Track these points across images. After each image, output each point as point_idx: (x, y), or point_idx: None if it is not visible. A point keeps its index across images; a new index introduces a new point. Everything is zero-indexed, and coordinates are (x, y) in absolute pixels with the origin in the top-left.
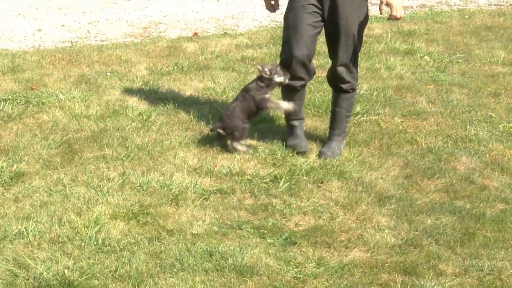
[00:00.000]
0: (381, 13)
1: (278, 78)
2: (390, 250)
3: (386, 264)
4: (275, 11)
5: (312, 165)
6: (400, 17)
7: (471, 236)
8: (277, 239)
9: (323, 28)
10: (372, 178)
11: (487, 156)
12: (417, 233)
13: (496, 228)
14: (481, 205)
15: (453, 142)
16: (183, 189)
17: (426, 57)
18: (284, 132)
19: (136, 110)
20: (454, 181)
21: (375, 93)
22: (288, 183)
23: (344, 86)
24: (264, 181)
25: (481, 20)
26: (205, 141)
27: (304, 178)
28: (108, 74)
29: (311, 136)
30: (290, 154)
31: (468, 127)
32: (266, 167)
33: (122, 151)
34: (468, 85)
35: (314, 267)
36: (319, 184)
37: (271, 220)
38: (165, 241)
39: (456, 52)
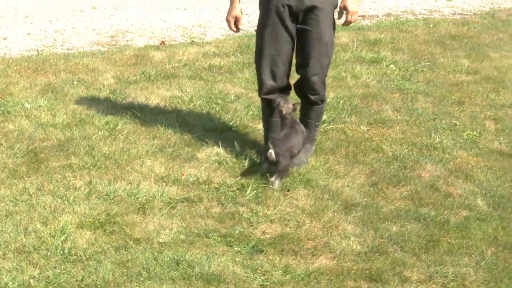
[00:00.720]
0: (338, 18)
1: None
2: (356, 257)
3: (352, 271)
4: (238, 31)
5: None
6: (354, 21)
7: (436, 243)
8: (244, 247)
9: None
10: (338, 186)
11: (452, 163)
12: (382, 240)
13: (460, 235)
14: (446, 212)
15: (418, 150)
16: (150, 198)
17: (391, 65)
18: (251, 140)
19: (103, 119)
20: (419, 188)
21: (341, 102)
22: (255, 191)
23: (315, 98)
24: (231, 189)
25: (446, 29)
26: (172, 150)
27: (271, 186)
28: (75, 82)
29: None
30: (258, 163)
31: (433, 135)
32: (233, 176)
33: (89, 160)
34: (433, 93)
35: (281, 274)
36: (286, 192)
37: (238, 228)
38: (132, 250)
39: (421, 61)
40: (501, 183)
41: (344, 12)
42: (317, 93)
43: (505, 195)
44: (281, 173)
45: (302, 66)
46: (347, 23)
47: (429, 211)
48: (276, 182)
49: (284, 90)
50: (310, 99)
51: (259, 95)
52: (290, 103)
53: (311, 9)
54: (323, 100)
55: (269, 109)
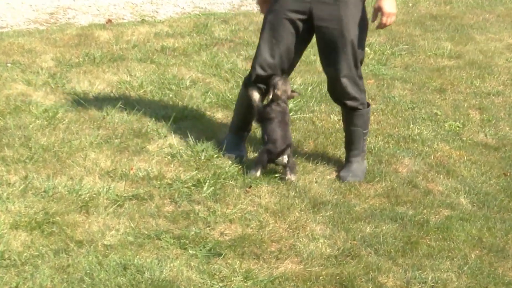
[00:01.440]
0: (373, 20)
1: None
2: (325, 261)
3: (321, 277)
4: None
5: (239, 168)
6: (390, 23)
7: (414, 245)
8: (200, 250)
9: (314, 39)
10: (306, 182)
11: (432, 157)
12: (355, 242)
13: (441, 237)
14: (425, 211)
15: (395, 142)
16: (94, 195)
17: (366, 48)
18: (209, 130)
19: (41, 106)
20: (396, 185)
21: (309, 88)
22: (213, 187)
23: (351, 103)
24: (185, 185)
25: (426, 9)
26: (119, 141)
27: (231, 182)
28: (9, 65)
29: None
30: (215, 156)
31: (411, 125)
32: (188, 170)
33: (25, 152)
34: (412, 79)
35: (241, 280)
36: (247, 189)
37: (194, 229)
38: (73, 253)
39: (398, 44)
40: (486, 179)
41: (379, 13)
42: (351, 98)
43: (491, 192)
44: (293, 170)
45: (327, 68)
46: (381, 26)
47: (407, 210)
48: (293, 177)
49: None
50: (347, 105)
51: (249, 77)
52: (289, 87)
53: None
54: (363, 104)
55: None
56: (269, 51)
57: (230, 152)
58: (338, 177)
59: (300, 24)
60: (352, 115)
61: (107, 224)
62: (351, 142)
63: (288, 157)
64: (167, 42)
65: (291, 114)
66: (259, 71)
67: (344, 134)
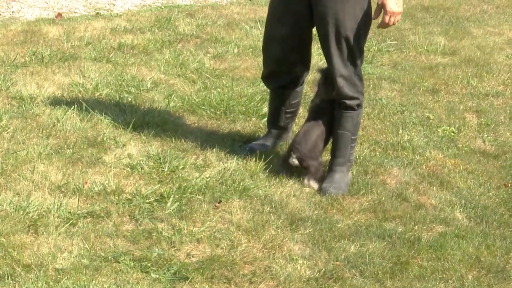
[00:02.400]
0: (374, 17)
1: None
2: (304, 284)
3: None
4: None
5: (208, 180)
6: (394, 23)
7: (404, 266)
8: (164, 273)
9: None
10: (282, 196)
11: (424, 167)
12: (337, 263)
13: (434, 256)
14: (416, 227)
15: (382, 150)
16: (43, 213)
17: None
18: (173, 139)
19: None
20: (383, 198)
21: None
22: (178, 203)
23: (350, 102)
24: (147, 201)
25: None
26: (72, 151)
27: (198, 197)
28: None
29: (208, 142)
30: (181, 167)
31: (401, 131)
32: (150, 184)
33: None
34: (401, 79)
35: None
36: (217, 204)
37: (157, 250)
38: (20, 279)
39: (386, 39)
40: (484, 191)
41: (382, 10)
42: (347, 97)
43: (490, 206)
44: (313, 175)
45: (327, 62)
46: (383, 26)
47: (396, 227)
48: (312, 183)
49: (292, 81)
50: (341, 103)
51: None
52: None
53: None
54: (359, 105)
55: (275, 95)
56: (269, 57)
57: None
58: (319, 190)
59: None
60: (341, 115)
61: (58, 246)
62: (337, 148)
63: (301, 160)
64: (125, 38)
65: (264, 120)
66: (265, 82)
67: (332, 140)
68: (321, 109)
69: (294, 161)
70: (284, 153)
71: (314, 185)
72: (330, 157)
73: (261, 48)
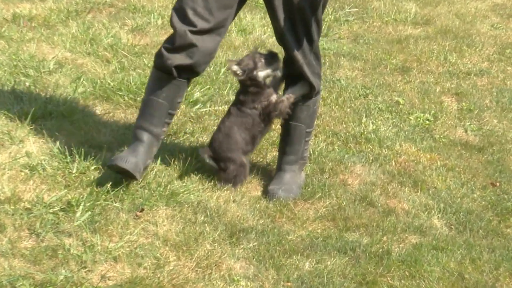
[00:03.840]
0: None
1: (262, 72)
2: None
3: None
4: None
5: (127, 184)
6: None
7: (371, 286)
8: None
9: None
10: (219, 202)
11: (393, 163)
12: (289, 284)
13: (407, 273)
14: (385, 238)
15: (342, 143)
16: None
17: None
18: (83, 132)
19: None
20: (344, 203)
21: (222, 70)
22: (90, 212)
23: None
24: (51, 210)
25: None
26: None
27: (115, 204)
28: None
29: (127, 136)
30: (93, 168)
31: (364, 119)
32: (54, 189)
33: None
34: (363, 55)
35: None
36: (138, 213)
37: (63, 271)
38: None
39: (344, 6)
40: (467, 192)
41: None
42: (304, 78)
43: (474, 210)
44: (229, 182)
45: (281, 40)
46: None
47: (360, 238)
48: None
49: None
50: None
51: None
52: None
53: None
54: (317, 92)
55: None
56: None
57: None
58: (265, 193)
59: None
60: (296, 106)
61: None
62: (288, 143)
63: (214, 159)
64: (20, 8)
65: (196, 107)
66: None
67: (280, 131)
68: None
69: (206, 158)
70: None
71: (221, 185)
72: (278, 154)
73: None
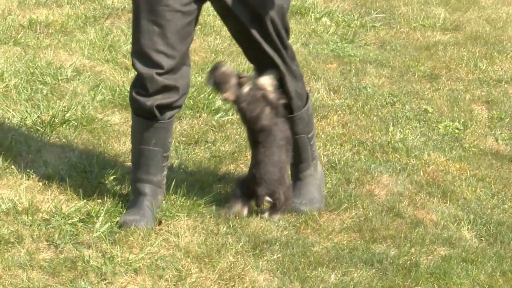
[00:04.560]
0: None
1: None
2: None
3: None
4: None
5: None
6: None
7: None
8: None
9: (218, 13)
10: (243, 213)
11: (421, 173)
12: None
13: (436, 286)
14: (413, 250)
15: (368, 152)
16: None
17: (324, 19)
18: (101, 140)
19: None
20: (371, 213)
21: None
22: (109, 223)
23: (295, 101)
24: (70, 221)
25: None
26: None
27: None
28: None
29: None
30: (112, 178)
31: (391, 128)
32: (72, 199)
33: None
34: (391, 62)
35: None
36: (157, 227)
37: (83, 284)
38: None
39: (371, 11)
40: (498, 203)
41: None
42: (288, 94)
43: (505, 222)
44: (285, 210)
45: (249, 57)
46: None
47: (387, 250)
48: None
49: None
50: (288, 105)
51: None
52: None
53: None
54: (303, 103)
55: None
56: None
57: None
58: (294, 209)
59: None
60: (291, 121)
61: None
62: (295, 155)
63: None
64: (37, 14)
65: (218, 116)
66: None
67: None
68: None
69: (266, 198)
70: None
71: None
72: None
73: (211, 24)
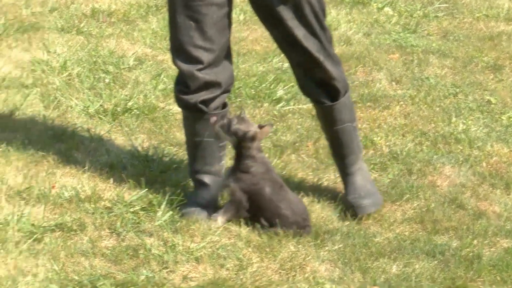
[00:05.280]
0: None
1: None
2: None
3: None
4: None
5: None
6: None
7: None
8: None
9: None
10: (304, 202)
11: (484, 164)
12: (375, 287)
13: (498, 278)
14: (475, 242)
15: (431, 143)
16: (0, 226)
17: (386, 8)
18: (163, 130)
19: None
20: (433, 205)
21: None
22: (171, 212)
23: (336, 84)
24: (132, 209)
25: None
26: (35, 147)
27: None
28: None
29: None
30: (174, 166)
31: (454, 119)
32: (135, 188)
33: None
34: (453, 53)
35: None
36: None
37: (144, 272)
38: None
39: (433, 1)
40: None
41: None
42: (332, 77)
43: None
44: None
45: (291, 45)
46: None
47: (449, 241)
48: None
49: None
50: (330, 91)
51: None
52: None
53: None
54: (345, 88)
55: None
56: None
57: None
58: (346, 205)
59: None
60: (332, 109)
61: (19, 267)
62: (341, 147)
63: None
64: (99, 3)
65: (279, 105)
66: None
67: (327, 141)
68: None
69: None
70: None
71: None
72: (335, 161)
73: None
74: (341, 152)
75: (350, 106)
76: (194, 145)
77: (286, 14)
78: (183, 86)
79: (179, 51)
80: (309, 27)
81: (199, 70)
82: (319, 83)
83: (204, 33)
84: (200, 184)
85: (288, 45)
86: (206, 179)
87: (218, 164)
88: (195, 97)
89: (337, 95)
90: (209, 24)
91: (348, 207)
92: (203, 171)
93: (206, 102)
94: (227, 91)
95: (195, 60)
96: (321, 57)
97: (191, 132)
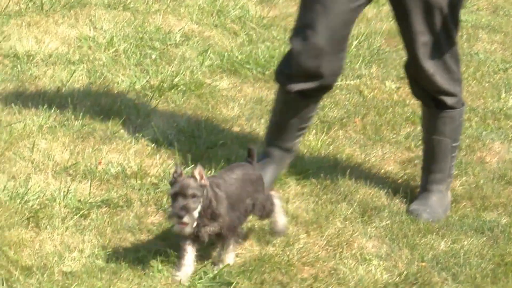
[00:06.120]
0: None
1: None
2: None
3: None
4: None
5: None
6: None
7: (509, 268)
8: (200, 278)
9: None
10: (351, 180)
11: None
12: (423, 264)
13: None
14: None
15: (480, 119)
16: (46, 201)
17: None
18: (210, 106)
19: None
20: (482, 181)
21: (354, 43)
22: None
23: (445, 98)
24: None
25: None
26: (81, 124)
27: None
28: None
29: (255, 110)
30: (220, 143)
31: (504, 95)
32: (181, 164)
33: None
34: (503, 28)
35: None
36: None
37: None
38: (18, 284)
39: None
40: None
41: None
42: (442, 92)
43: None
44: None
45: (407, 44)
46: None
47: (498, 218)
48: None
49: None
50: (436, 100)
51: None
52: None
53: None
54: (459, 102)
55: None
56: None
57: None
58: (411, 211)
59: None
60: (437, 116)
61: (66, 243)
62: (432, 160)
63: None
64: None
65: None
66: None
67: (422, 151)
68: None
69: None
70: None
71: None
72: (421, 171)
73: None
74: (430, 165)
75: (457, 124)
76: (277, 122)
77: (415, 14)
78: (286, 67)
79: (298, 31)
80: (434, 35)
81: (309, 56)
82: (424, 90)
83: (328, 21)
84: (267, 155)
85: (406, 43)
86: (275, 151)
87: (292, 142)
88: (293, 85)
89: (444, 107)
90: (335, 12)
91: (407, 212)
92: (275, 145)
93: (302, 93)
94: (330, 86)
95: (310, 43)
96: (431, 69)
97: (280, 110)
